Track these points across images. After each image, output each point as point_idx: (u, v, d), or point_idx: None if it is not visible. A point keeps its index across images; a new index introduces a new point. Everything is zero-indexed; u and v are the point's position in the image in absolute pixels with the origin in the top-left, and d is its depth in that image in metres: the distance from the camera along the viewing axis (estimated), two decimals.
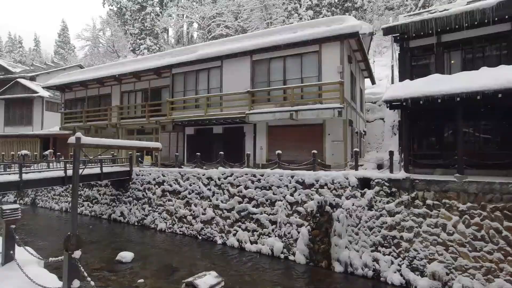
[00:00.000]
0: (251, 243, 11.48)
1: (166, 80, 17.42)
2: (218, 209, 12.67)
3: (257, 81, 13.89)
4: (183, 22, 53.76)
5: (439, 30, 9.52)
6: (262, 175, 11.78)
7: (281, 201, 11.16)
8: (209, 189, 13.14)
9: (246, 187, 12.10)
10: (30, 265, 4.77)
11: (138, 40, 49.55)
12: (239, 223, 12.01)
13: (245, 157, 13.40)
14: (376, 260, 9.12)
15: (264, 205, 11.53)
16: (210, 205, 12.95)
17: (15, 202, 21.22)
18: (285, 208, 11.06)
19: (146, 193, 15.12)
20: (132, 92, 18.82)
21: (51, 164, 15.08)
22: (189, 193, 13.67)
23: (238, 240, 11.84)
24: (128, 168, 15.91)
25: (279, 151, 12.16)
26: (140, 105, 18.17)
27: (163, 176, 14.68)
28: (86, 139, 4.67)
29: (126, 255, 10.22)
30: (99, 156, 14.67)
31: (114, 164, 16.55)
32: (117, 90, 19.41)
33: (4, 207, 5.08)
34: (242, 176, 12.27)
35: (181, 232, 13.53)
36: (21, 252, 5.02)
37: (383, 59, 30.31)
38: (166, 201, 14.36)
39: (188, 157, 16.23)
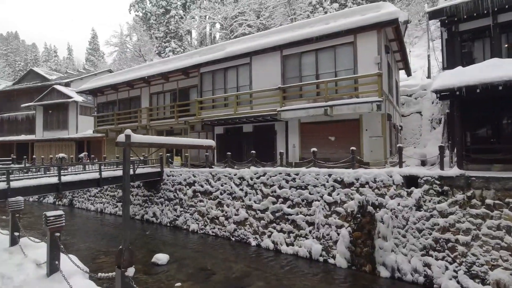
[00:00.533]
0: (287, 245, 11.02)
1: (194, 80, 17.35)
2: (251, 210, 12.32)
3: (288, 76, 13.38)
4: (205, 23, 54.18)
5: (495, 9, 8.54)
6: (297, 174, 11.28)
7: (318, 201, 10.60)
8: (242, 189, 12.83)
9: (280, 187, 11.65)
10: (76, 277, 4.57)
11: (163, 43, 50.62)
12: (274, 224, 11.59)
13: (278, 156, 12.96)
14: (427, 265, 8.35)
15: (300, 205, 11.02)
16: (243, 205, 12.64)
17: (54, 203, 22.13)
18: (322, 209, 10.49)
19: (177, 194, 15.09)
20: (161, 93, 18.95)
21: (86, 166, 15.45)
22: (221, 194, 13.44)
23: (273, 242, 11.44)
24: (159, 169, 15.97)
25: (314, 149, 11.59)
26: (169, 105, 18.24)
27: (194, 176, 14.57)
28: (136, 137, 4.34)
29: (161, 257, 10.11)
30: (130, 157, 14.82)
31: (145, 165, 16.68)
32: (146, 92, 19.64)
33: (48, 213, 4.91)
34: (276, 175, 11.84)
35: (213, 233, 13.33)
36: (65, 262, 4.78)
37: (416, 50, 28.75)
38: (197, 201, 14.23)
39: (218, 157, 16.04)
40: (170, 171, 15.70)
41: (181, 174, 15.19)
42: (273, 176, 11.94)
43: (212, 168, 14.56)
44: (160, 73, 17.11)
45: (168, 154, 17.10)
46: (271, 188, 11.90)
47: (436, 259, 8.25)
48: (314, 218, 10.57)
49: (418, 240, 8.62)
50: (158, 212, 15.75)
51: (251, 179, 12.58)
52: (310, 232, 10.62)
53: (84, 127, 26.81)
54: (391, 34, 13.00)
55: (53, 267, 4.72)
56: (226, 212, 13.10)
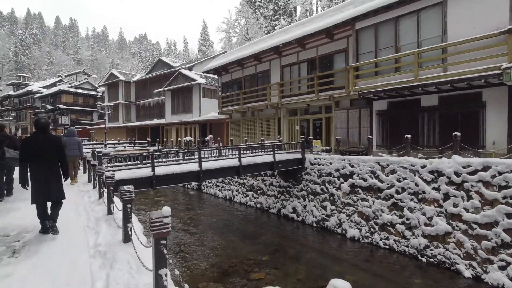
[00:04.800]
0: None
1: (340, 43, 13.61)
2: (459, 221, 8.10)
3: None
4: None
5: None
6: None
7: None
8: (437, 189, 8.67)
9: None
10: None
11: (272, 22, 48.43)
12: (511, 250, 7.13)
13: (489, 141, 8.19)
14: None
15: None
16: (441, 212, 8.50)
17: (184, 186, 22.28)
18: None
19: (327, 188, 11.93)
20: (295, 64, 15.92)
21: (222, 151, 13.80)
22: (397, 192, 9.59)
23: (509, 277, 7.06)
24: (300, 155, 13.10)
25: None
26: (306, 78, 15.05)
27: (352, 166, 11.08)
28: None
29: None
30: (265, 141, 12.38)
31: (281, 150, 14.06)
32: (276, 65, 16.97)
33: (153, 215, 2.20)
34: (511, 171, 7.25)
35: (386, 246, 9.68)
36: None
37: None
38: (358, 200, 10.75)
39: (377, 141, 12.09)
40: (315, 159, 12.63)
41: (330, 163, 11.93)
42: (507, 173, 7.37)
43: (381, 156, 10.72)
44: (297, 38, 13.94)
45: (303, 137, 14.02)
46: (503, 191, 7.38)
47: None
48: None
49: None
50: (300, 207, 13.00)
51: (457, 174, 8.27)
52: None
53: (206, 109, 26.64)
54: None
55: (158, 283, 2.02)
56: (408, 219, 9.22)
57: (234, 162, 11.42)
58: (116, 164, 9.99)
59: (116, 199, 5.08)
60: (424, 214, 8.86)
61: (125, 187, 3.33)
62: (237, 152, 12.88)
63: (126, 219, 3.34)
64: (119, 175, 8.79)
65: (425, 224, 8.79)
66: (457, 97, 10.13)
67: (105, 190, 5.56)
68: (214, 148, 13.53)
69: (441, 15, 9.62)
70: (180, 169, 10.09)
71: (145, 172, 9.39)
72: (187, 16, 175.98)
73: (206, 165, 10.76)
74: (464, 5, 9.20)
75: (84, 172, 10.94)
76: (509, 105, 8.88)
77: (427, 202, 8.87)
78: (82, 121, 45.47)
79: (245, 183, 16.61)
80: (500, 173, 7.51)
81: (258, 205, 15.38)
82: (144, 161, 10.38)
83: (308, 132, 15.62)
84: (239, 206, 16.30)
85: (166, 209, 2.29)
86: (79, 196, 7.02)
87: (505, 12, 8.43)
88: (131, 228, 3.37)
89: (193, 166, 10.57)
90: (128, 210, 3.32)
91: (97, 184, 6.57)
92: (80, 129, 41.68)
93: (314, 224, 12.24)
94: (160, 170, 9.64)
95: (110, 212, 4.70)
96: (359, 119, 13.01)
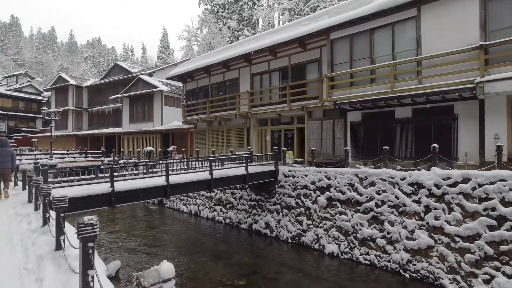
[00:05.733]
0: None
1: (313, 52, 13.42)
2: (442, 234, 7.96)
3: (493, 28, 8.54)
4: (275, 10, 50.40)
5: None
6: None
7: None
8: (417, 202, 8.53)
9: (504, 202, 7.08)
10: None
11: (236, 32, 48.31)
12: (495, 263, 7.07)
13: (461, 152, 8.30)
14: None
15: None
16: (422, 225, 8.34)
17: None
18: None
19: (303, 201, 11.40)
20: (266, 73, 15.42)
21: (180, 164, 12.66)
22: (377, 205, 9.33)
23: None
24: (273, 167, 12.47)
25: None
26: (278, 87, 14.59)
27: (328, 179, 10.69)
28: None
29: None
30: (236, 153, 11.62)
31: (251, 162, 13.31)
32: (246, 73, 16.34)
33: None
34: (494, 183, 7.28)
35: (367, 261, 9.30)
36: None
37: None
38: (336, 213, 10.33)
39: (352, 152, 11.91)
40: (289, 171, 12.08)
41: (306, 175, 11.45)
42: (487, 185, 7.40)
43: (359, 168, 10.46)
44: (269, 45, 13.47)
45: (276, 148, 13.47)
46: (484, 203, 7.38)
47: None
48: None
49: None
50: (273, 222, 12.28)
51: (438, 186, 8.19)
52: None
53: (169, 118, 25.10)
54: None
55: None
56: (388, 233, 8.95)
57: (204, 175, 10.40)
58: (65, 179, 8.46)
59: (69, 228, 3.90)
60: (405, 227, 8.65)
61: (86, 219, 2.31)
62: (207, 164, 11.93)
63: (87, 264, 2.32)
64: (70, 191, 7.36)
65: (407, 238, 8.57)
66: (430, 110, 10.30)
67: (53, 215, 4.33)
68: (183, 160, 12.37)
69: (415, 29, 9.77)
70: (144, 184, 8.85)
71: (102, 188, 8.03)
72: (146, 22, 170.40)
73: (173, 179, 9.62)
74: (437, 20, 9.42)
75: (24, 189, 9.15)
76: (480, 118, 9.15)
77: (408, 215, 8.68)
78: (23, 128, 40.58)
79: (213, 197, 15.53)
80: (480, 185, 7.53)
81: (228, 221, 14.38)
82: (100, 175, 8.96)
83: (280, 143, 15.12)
84: (206, 221, 15.14)
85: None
86: (15, 221, 5.57)
87: (476, 28, 8.72)
88: (93, 277, 2.36)
89: (159, 180, 9.38)
90: (90, 252, 2.31)
91: (41, 206, 5.23)
92: (20, 138, 37.07)
93: (289, 240, 11.58)
94: (121, 186, 8.33)
95: (59, 246, 3.50)
96: (333, 130, 12.81)
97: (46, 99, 41.87)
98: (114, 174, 8.22)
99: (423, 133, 10.38)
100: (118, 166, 10.88)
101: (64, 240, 3.43)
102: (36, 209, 5.94)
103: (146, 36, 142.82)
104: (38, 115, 41.06)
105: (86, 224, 2.31)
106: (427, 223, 8.24)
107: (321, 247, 10.53)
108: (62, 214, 3.48)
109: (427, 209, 8.31)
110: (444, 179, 8.14)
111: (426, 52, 9.53)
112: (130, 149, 24.67)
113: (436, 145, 8.72)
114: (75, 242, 3.27)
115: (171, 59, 75.49)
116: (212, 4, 55.66)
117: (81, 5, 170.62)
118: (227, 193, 14.74)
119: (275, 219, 12.27)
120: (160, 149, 21.23)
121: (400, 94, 9.74)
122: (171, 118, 25.14)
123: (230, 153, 14.95)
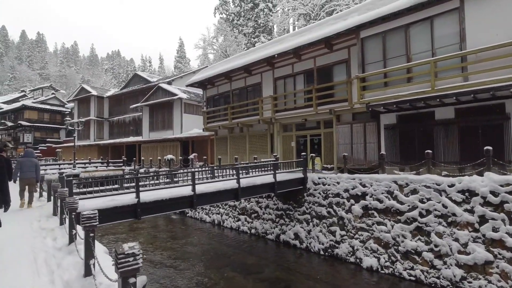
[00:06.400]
0: None
1: (340, 53, 12.76)
2: (502, 248, 7.04)
3: None
4: (290, 16, 50.08)
5: None
6: None
7: None
8: (470, 211, 7.65)
9: None
10: None
11: (252, 39, 48.27)
12: None
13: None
14: None
15: None
16: (477, 238, 7.44)
17: None
18: None
19: (335, 210, 10.65)
20: (290, 76, 14.87)
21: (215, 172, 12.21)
22: (421, 215, 8.48)
23: None
24: (301, 175, 11.81)
25: None
26: (303, 91, 13.98)
27: (363, 186, 9.92)
28: None
29: None
30: (262, 160, 11.05)
31: (279, 170, 12.67)
32: (269, 77, 15.85)
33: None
34: None
35: (412, 277, 8.43)
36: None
37: None
38: (373, 224, 9.53)
39: (387, 157, 11.07)
40: (319, 178, 11.39)
41: (338, 182, 10.72)
42: None
43: (398, 174, 9.64)
44: (294, 47, 12.93)
45: (304, 154, 12.75)
46: None
47: None
48: None
49: None
50: (303, 233, 11.57)
51: (495, 194, 7.30)
52: None
53: (188, 126, 24.93)
54: None
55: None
56: (436, 246, 8.08)
57: (231, 184, 9.88)
58: (89, 189, 8.15)
59: (99, 247, 3.44)
60: (456, 239, 7.77)
61: (126, 248, 1.80)
62: (231, 172, 11.43)
63: None
64: (94, 203, 7.01)
65: (459, 252, 7.68)
66: (476, 109, 9.40)
67: (79, 231, 3.90)
68: (209, 169, 11.93)
69: (458, 22, 8.98)
70: (170, 194, 8.42)
71: (127, 199, 7.65)
72: (162, 33, 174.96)
73: (199, 188, 9.14)
74: (483, 11, 8.60)
75: (48, 200, 8.92)
76: None
77: (459, 226, 7.79)
78: (48, 139, 41.74)
79: (237, 205, 14.98)
80: None
81: (253, 231, 13.75)
82: (125, 185, 8.61)
83: (305, 149, 14.44)
84: (230, 231, 14.57)
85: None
86: (39, 236, 5.20)
87: None
88: None
89: (184, 190, 8.90)
90: None
91: (67, 220, 4.83)
92: (45, 148, 38.07)
93: (321, 252, 10.82)
94: (146, 196, 7.93)
95: (88, 272, 3.02)
96: (364, 134, 12.03)
97: (69, 110, 42.99)
98: (139, 184, 7.84)
99: (469, 135, 9.47)
100: (144, 175, 10.53)
101: (94, 264, 2.96)
102: (61, 223, 5.57)
103: (163, 46, 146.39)
104: (62, 126, 42.17)
105: (126, 255, 1.80)
106: (484, 235, 7.35)
107: (357, 260, 9.73)
108: (91, 234, 3.02)
109: (483, 219, 7.42)
110: (502, 186, 7.25)
111: (472, 46, 8.71)
112: (151, 158, 24.60)
113: (490, 148, 7.84)
114: (106, 265, 2.79)
115: (187, 68, 76.46)
116: (227, 13, 56.26)
117: (102, 18, 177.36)
118: (251, 202, 14.15)
119: (304, 230, 11.56)
120: (180, 157, 20.97)
121: (443, 93, 8.92)
122: (190, 126, 24.95)
123: (254, 160, 14.40)
